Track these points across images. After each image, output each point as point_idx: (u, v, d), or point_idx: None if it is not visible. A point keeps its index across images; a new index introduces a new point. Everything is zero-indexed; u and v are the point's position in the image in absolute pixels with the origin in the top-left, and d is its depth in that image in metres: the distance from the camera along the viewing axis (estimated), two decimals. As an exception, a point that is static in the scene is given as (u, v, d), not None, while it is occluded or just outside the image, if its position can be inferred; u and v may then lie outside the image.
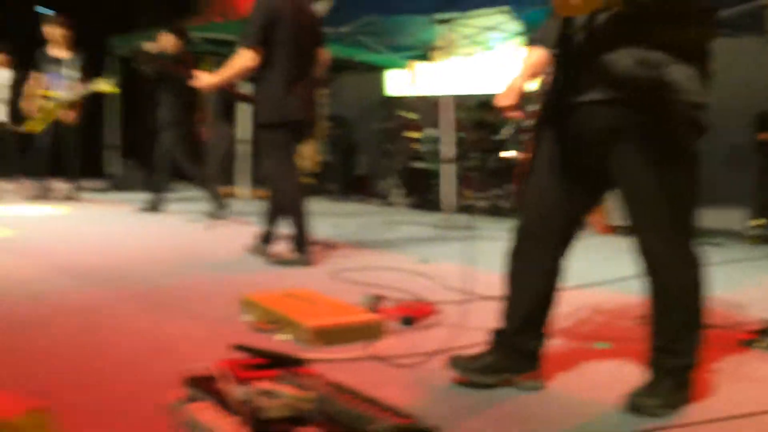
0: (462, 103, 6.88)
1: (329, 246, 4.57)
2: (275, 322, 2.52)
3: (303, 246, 3.93)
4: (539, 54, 2.09)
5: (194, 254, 4.30)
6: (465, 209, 6.66)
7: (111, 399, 1.87)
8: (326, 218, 6.13)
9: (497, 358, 2.05)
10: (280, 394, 1.62)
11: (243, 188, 8.51)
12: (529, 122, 2.21)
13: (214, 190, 5.95)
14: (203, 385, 1.81)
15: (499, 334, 2.08)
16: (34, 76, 6.77)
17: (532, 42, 2.19)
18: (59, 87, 6.74)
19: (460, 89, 6.48)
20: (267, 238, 4.11)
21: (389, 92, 9.44)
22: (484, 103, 7.17)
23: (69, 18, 6.84)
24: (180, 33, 6.12)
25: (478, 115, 7.29)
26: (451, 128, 6.29)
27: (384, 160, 8.36)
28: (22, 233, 4.81)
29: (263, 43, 3.77)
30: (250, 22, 3.83)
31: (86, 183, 7.66)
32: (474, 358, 2.08)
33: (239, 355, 1.84)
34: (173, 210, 6.32)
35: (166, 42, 6.10)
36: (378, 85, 9.50)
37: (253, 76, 3.93)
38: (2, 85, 7.53)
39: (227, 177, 8.31)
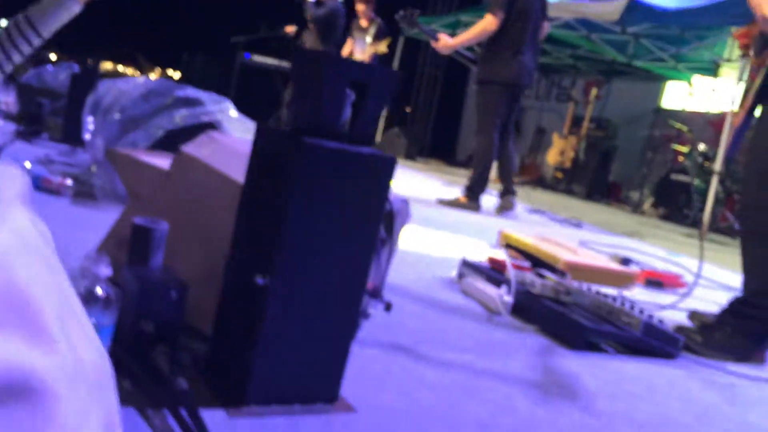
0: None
1: (575, 224, 4.74)
2: (530, 253, 2.80)
3: (477, 194, 4.46)
4: None
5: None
6: (722, 230, 6.33)
7: (406, 275, 2.31)
8: (572, 210, 6.25)
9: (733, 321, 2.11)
10: (547, 279, 1.91)
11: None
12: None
13: None
14: (475, 268, 2.17)
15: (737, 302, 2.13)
16: (347, 42, 7.84)
17: None
18: (359, 51, 7.72)
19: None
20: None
21: (664, 103, 9.14)
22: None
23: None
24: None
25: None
26: (725, 146, 6.03)
27: (642, 168, 8.17)
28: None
29: (507, 11, 4.28)
30: None
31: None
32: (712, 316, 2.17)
33: (506, 254, 2.16)
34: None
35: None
36: (652, 94, 9.25)
37: (484, 41, 4.45)
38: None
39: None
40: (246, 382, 1.03)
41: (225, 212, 1.22)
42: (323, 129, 1.04)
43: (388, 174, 1.09)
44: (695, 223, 6.55)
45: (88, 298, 0.82)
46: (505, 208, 4.55)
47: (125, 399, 0.99)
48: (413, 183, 5.87)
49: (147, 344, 1.07)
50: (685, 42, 7.49)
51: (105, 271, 0.83)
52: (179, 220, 1.30)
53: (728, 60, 7.12)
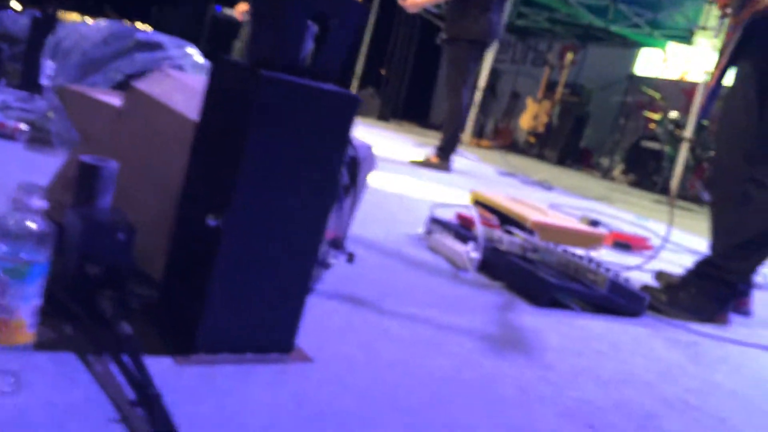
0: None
1: (546, 187, 4.73)
2: (500, 213, 2.77)
3: (447, 155, 4.46)
4: None
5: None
6: (690, 197, 6.39)
7: (372, 229, 2.26)
8: (543, 174, 6.24)
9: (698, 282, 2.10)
10: (515, 236, 1.88)
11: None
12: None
13: None
14: (443, 224, 2.13)
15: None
16: None
17: None
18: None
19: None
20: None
21: (637, 70, 9.12)
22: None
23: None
24: None
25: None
26: (696, 115, 6.05)
27: (614, 134, 8.19)
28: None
29: None
30: None
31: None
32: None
33: (475, 211, 2.12)
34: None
35: None
36: (626, 60, 9.23)
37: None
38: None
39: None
40: (195, 329, 0.97)
41: (178, 151, 1.15)
42: (283, 62, 0.97)
43: (351, 113, 1.03)
44: (664, 190, 6.61)
45: (20, 233, 0.76)
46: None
47: (65, 344, 0.93)
48: (386, 144, 5.80)
49: (91, 288, 1.01)
50: (661, 7, 7.45)
51: (38, 203, 0.77)
52: (131, 160, 1.23)
53: (703, 28, 7.10)
